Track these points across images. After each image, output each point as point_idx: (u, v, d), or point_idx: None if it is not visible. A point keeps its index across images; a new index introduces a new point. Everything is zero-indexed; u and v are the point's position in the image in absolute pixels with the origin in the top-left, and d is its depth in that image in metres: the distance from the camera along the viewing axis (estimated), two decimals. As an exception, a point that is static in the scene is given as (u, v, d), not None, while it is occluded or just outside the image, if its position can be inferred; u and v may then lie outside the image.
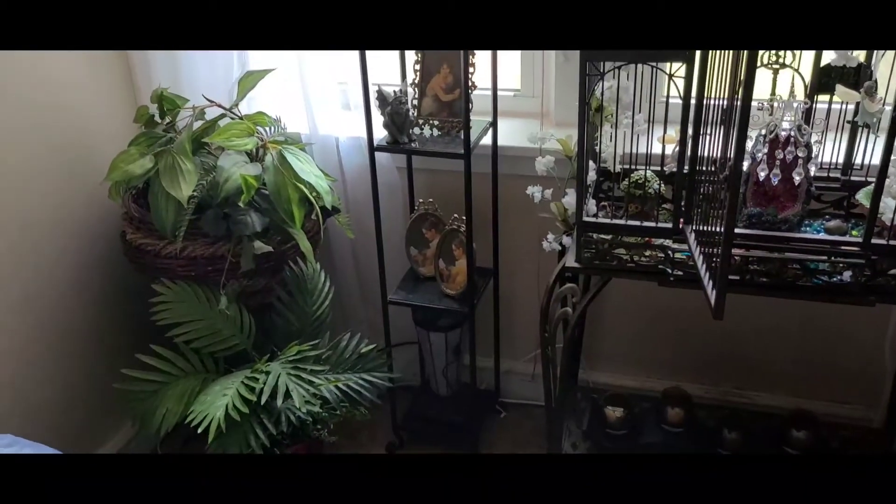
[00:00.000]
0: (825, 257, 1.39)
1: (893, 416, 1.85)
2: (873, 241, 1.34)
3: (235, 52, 1.94)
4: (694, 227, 1.41)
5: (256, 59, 1.97)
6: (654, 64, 1.34)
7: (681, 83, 1.33)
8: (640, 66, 1.40)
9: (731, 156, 1.13)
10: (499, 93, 1.78)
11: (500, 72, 1.74)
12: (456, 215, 1.84)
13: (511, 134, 1.87)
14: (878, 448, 1.73)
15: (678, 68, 1.32)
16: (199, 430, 1.50)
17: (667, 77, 1.33)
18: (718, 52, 1.21)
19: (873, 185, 1.29)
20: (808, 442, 1.75)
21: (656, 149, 1.54)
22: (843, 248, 1.39)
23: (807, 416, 1.79)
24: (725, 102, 1.19)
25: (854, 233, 1.47)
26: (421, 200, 1.92)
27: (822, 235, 1.45)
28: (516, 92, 1.99)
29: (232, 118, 1.74)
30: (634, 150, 1.51)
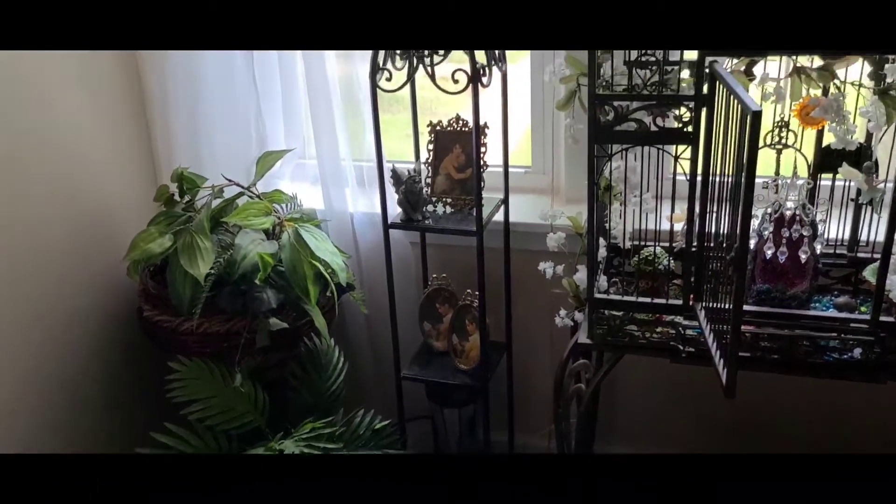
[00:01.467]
0: (835, 334, 1.40)
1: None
2: (881, 318, 1.35)
3: (254, 131, 2.02)
4: (704, 305, 1.43)
5: (275, 138, 2.04)
6: (660, 146, 1.39)
7: (686, 164, 1.37)
8: (646, 147, 1.45)
9: (737, 237, 1.15)
10: (510, 169, 1.83)
11: (511, 149, 1.79)
12: (469, 291, 1.87)
13: (522, 210, 1.91)
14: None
15: (684, 150, 1.36)
16: (213, 509, 1.50)
17: (673, 159, 1.37)
18: (722, 133, 1.25)
19: (879, 262, 1.31)
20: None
21: (665, 225, 1.57)
22: (851, 325, 1.40)
23: (825, 492, 1.77)
24: (732, 179, 1.22)
25: (863, 309, 1.48)
26: (434, 276, 1.95)
27: (832, 312, 1.46)
28: (527, 169, 2.04)
29: (250, 197, 1.79)
30: (644, 227, 1.55)
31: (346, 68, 1.91)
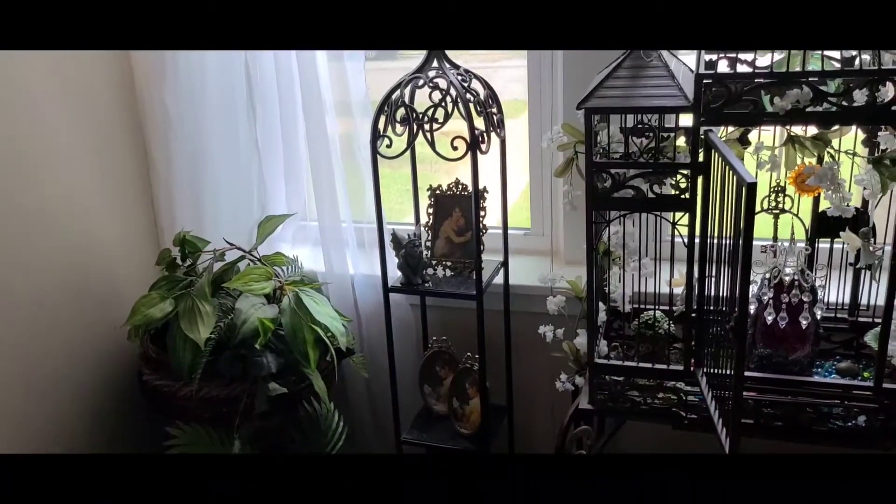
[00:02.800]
0: (838, 402, 1.39)
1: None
2: (885, 385, 1.35)
3: (256, 194, 2.04)
4: (705, 371, 1.42)
5: (276, 200, 2.06)
6: (657, 214, 1.40)
7: (684, 229, 1.38)
8: (644, 213, 1.47)
9: (736, 304, 1.15)
10: (510, 231, 1.84)
11: (510, 210, 1.80)
12: (469, 354, 1.86)
13: (522, 272, 1.92)
14: None
15: (681, 217, 1.37)
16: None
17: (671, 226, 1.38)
18: (719, 200, 1.27)
19: (880, 327, 1.31)
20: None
21: (665, 288, 1.57)
22: (854, 391, 1.39)
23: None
24: (730, 241, 1.22)
25: (866, 374, 1.47)
26: (434, 338, 1.94)
27: (834, 378, 1.45)
28: (526, 231, 2.06)
29: (251, 260, 1.80)
30: (643, 290, 1.55)
31: (346, 127, 1.93)
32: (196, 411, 1.70)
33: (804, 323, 1.39)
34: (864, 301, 1.56)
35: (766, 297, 1.44)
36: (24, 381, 1.68)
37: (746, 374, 1.35)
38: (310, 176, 1.98)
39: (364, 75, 1.88)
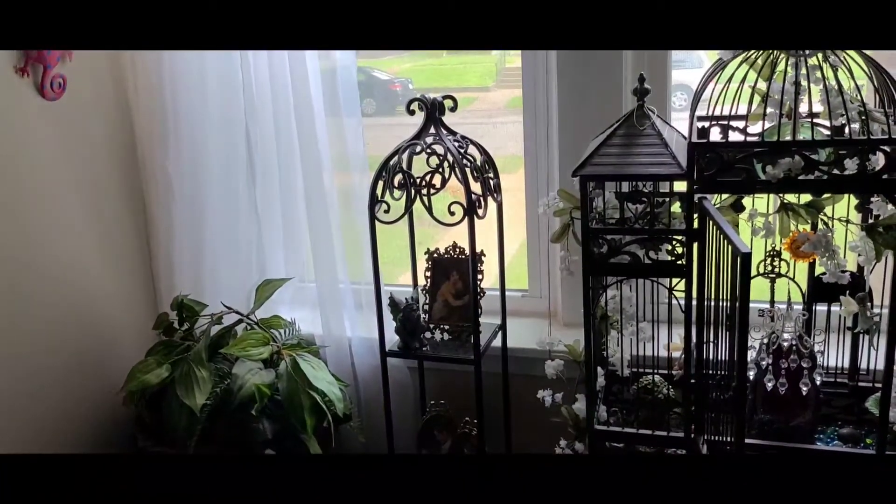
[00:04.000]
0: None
1: None
2: (887, 452, 1.33)
3: (255, 257, 2.05)
4: (705, 438, 1.41)
5: (275, 263, 2.07)
6: (654, 279, 1.41)
7: (681, 294, 1.38)
8: (640, 279, 1.47)
9: (735, 372, 1.15)
10: (507, 293, 1.84)
11: (507, 272, 1.81)
12: (467, 418, 1.84)
13: (520, 334, 1.91)
14: None
15: (678, 283, 1.38)
16: None
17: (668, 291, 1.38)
18: (715, 265, 1.27)
19: (880, 393, 1.30)
20: None
21: (663, 352, 1.57)
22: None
23: None
24: (727, 305, 1.22)
25: (868, 441, 1.45)
26: (432, 402, 1.93)
27: (836, 446, 1.44)
28: (524, 292, 2.06)
29: (249, 324, 1.80)
30: (642, 353, 1.55)
31: (344, 183, 1.95)
32: (190, 479, 1.67)
33: (804, 389, 1.38)
34: (863, 365, 1.55)
35: (764, 363, 1.43)
36: (21, 444, 1.66)
37: (747, 441, 1.33)
38: (308, 236, 1.99)
39: (362, 130, 1.91)
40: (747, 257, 1.04)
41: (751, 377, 1.43)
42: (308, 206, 1.94)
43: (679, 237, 1.33)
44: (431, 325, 1.81)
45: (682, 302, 1.38)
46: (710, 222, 1.27)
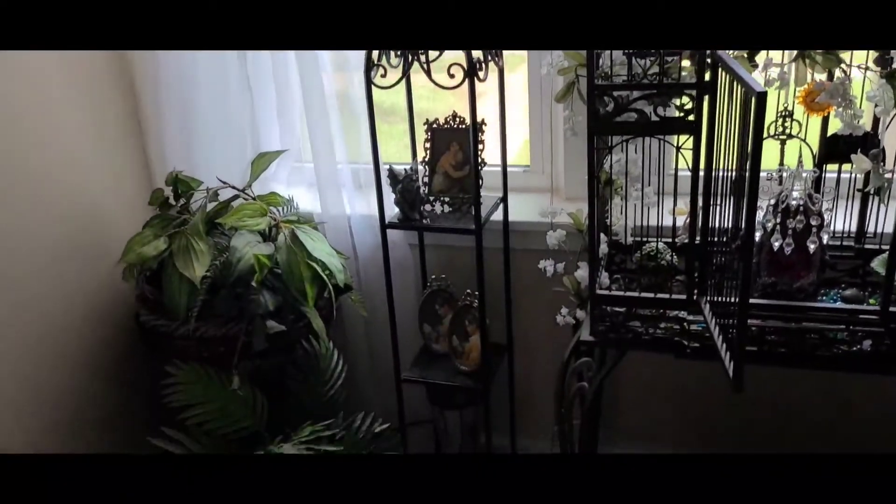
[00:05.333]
0: (843, 326, 1.37)
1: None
2: (892, 309, 1.33)
3: (249, 135, 1.99)
4: (708, 299, 1.40)
5: (270, 141, 2.02)
6: (661, 137, 1.36)
7: (689, 153, 1.34)
8: (647, 139, 1.43)
9: (743, 228, 1.13)
10: (508, 169, 1.80)
11: (509, 148, 1.76)
12: (469, 291, 1.84)
13: (522, 209, 1.88)
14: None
15: (685, 140, 1.34)
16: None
17: (675, 151, 1.34)
18: (725, 123, 1.23)
19: (888, 253, 1.28)
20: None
21: (667, 220, 1.55)
22: (861, 316, 1.37)
23: (836, 491, 1.73)
24: (735, 173, 1.19)
25: (872, 301, 1.45)
26: (433, 277, 1.92)
27: (840, 305, 1.43)
28: (526, 168, 2.02)
29: (245, 199, 1.77)
30: (645, 223, 1.52)
31: (341, 73, 1.88)
32: (194, 351, 1.68)
33: (812, 248, 1.36)
34: (871, 229, 1.53)
35: (770, 224, 1.41)
36: (18, 326, 1.66)
37: (751, 301, 1.33)
38: (304, 116, 1.93)
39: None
40: (762, 96, 0.99)
41: (756, 239, 1.41)
42: (303, 86, 1.87)
43: (690, 90, 1.28)
44: (431, 198, 1.77)
45: (690, 161, 1.34)
46: (723, 73, 1.22)
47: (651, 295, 1.46)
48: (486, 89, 1.64)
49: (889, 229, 1.45)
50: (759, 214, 1.41)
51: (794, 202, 1.36)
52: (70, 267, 1.77)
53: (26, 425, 1.69)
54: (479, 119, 1.61)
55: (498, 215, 1.81)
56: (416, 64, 1.54)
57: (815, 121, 1.42)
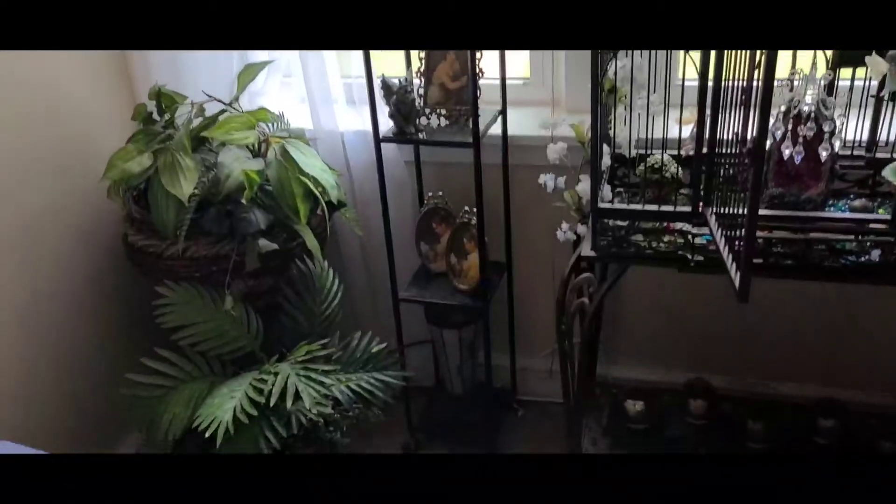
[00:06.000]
0: (852, 236, 1.33)
1: (925, 403, 1.79)
2: (904, 217, 1.29)
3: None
4: (715, 210, 1.35)
5: (257, 54, 1.93)
6: (668, 39, 1.29)
7: (697, 59, 1.28)
8: (653, 43, 1.36)
9: (755, 130, 1.07)
10: (507, 81, 1.73)
11: (507, 60, 1.69)
12: (466, 208, 1.79)
13: (521, 123, 1.82)
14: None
15: (694, 43, 1.27)
16: (207, 435, 1.45)
17: (682, 55, 1.27)
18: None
19: (902, 159, 1.24)
20: (836, 431, 1.69)
21: (672, 132, 1.49)
22: (870, 226, 1.33)
23: (835, 404, 1.73)
24: (744, 81, 1.13)
25: (881, 211, 1.41)
26: (430, 194, 1.87)
27: (849, 214, 1.39)
28: (525, 80, 1.94)
29: (232, 113, 1.70)
30: (650, 135, 1.46)
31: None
32: (185, 271, 1.64)
33: (823, 155, 1.31)
34: (883, 137, 1.47)
35: (780, 132, 1.35)
36: (2, 250, 1.61)
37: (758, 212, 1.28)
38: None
39: None
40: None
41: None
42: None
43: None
44: (427, 111, 1.71)
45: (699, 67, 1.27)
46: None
47: (655, 207, 1.42)
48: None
49: (902, 137, 1.40)
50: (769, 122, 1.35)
51: (805, 108, 1.30)
52: (53, 187, 1.71)
53: (12, 349, 1.66)
54: (475, 25, 1.53)
55: (496, 129, 1.74)
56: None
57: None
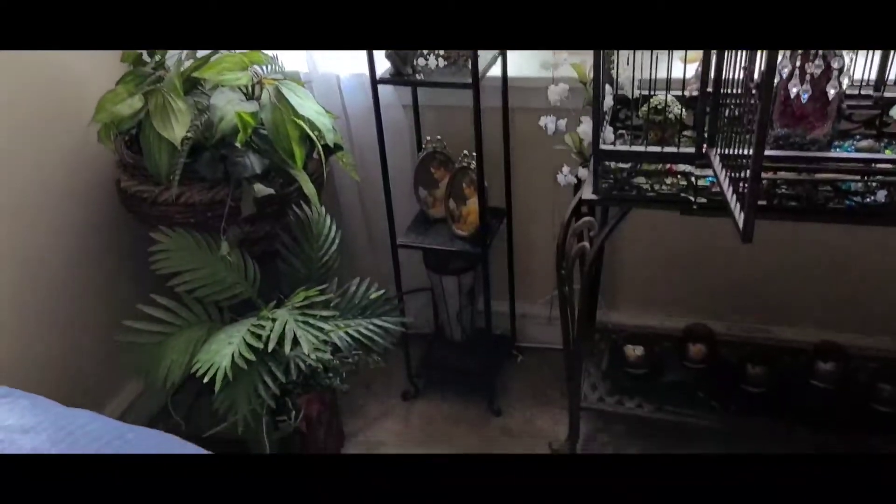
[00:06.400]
0: (858, 177, 1.31)
1: (925, 347, 1.79)
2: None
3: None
4: (719, 151, 1.33)
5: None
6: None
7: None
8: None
9: (762, 66, 1.04)
10: (506, 21, 1.68)
11: None
12: (465, 152, 1.76)
13: (521, 64, 1.78)
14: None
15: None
16: (206, 380, 1.45)
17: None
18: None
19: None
20: (835, 375, 1.69)
21: (676, 72, 1.45)
22: (877, 166, 1.31)
23: (834, 347, 1.73)
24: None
25: (888, 152, 1.38)
26: (429, 138, 1.84)
27: (855, 154, 1.36)
28: (524, 21, 1.89)
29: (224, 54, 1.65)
30: (653, 75, 1.42)
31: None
32: (180, 217, 1.62)
33: (831, 93, 1.27)
34: (892, 76, 1.44)
35: (785, 70, 1.31)
36: (4, 193, 1.59)
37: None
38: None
39: None
40: None
41: (772, 86, 1.32)
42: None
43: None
44: (425, 51, 1.66)
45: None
46: None
47: (658, 148, 1.39)
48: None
49: (912, 75, 1.36)
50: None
51: (814, 44, 1.27)
52: (43, 133, 1.67)
53: (15, 300, 1.65)
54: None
55: (496, 70, 1.70)
56: None
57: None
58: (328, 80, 1.86)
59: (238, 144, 1.53)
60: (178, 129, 1.50)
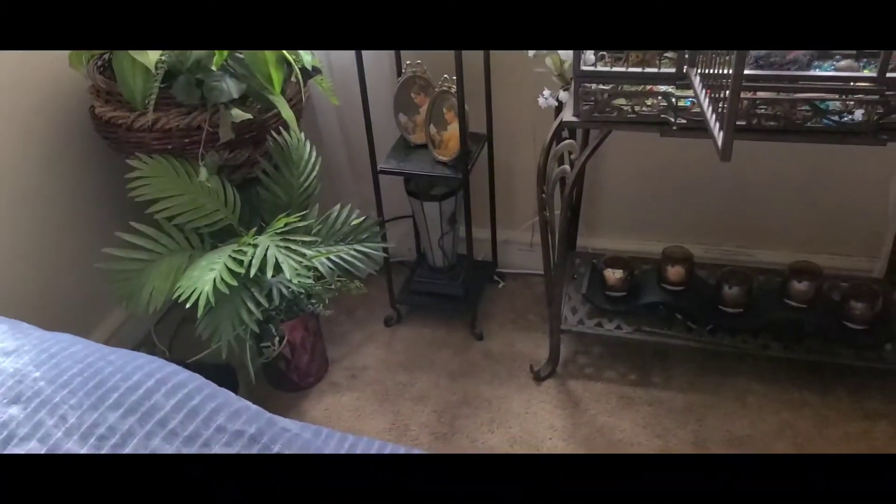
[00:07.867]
0: (837, 95, 1.31)
1: (894, 265, 1.83)
2: (888, 74, 1.26)
3: None
4: (699, 71, 1.32)
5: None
6: None
7: None
8: None
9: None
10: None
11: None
12: (446, 76, 1.74)
13: (500, -15, 1.74)
14: (877, 297, 1.70)
15: None
16: (188, 305, 1.46)
17: None
18: None
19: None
20: (809, 294, 1.73)
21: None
22: (856, 84, 1.31)
23: (808, 268, 1.76)
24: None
25: (866, 71, 1.38)
26: (408, 63, 1.81)
27: (834, 73, 1.37)
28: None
29: (198, -24, 1.60)
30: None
31: None
32: (156, 144, 1.60)
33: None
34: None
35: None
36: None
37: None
38: None
39: None
40: None
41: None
42: None
43: None
44: (402, -29, 1.62)
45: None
46: None
47: (639, 69, 1.38)
48: None
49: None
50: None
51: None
52: (9, 55, 1.62)
53: (-9, 224, 1.64)
54: None
55: (475, -9, 1.67)
56: None
57: None
58: None
59: (214, 68, 1.50)
60: (151, 52, 1.47)
